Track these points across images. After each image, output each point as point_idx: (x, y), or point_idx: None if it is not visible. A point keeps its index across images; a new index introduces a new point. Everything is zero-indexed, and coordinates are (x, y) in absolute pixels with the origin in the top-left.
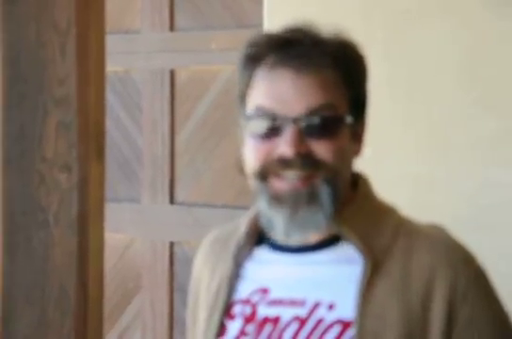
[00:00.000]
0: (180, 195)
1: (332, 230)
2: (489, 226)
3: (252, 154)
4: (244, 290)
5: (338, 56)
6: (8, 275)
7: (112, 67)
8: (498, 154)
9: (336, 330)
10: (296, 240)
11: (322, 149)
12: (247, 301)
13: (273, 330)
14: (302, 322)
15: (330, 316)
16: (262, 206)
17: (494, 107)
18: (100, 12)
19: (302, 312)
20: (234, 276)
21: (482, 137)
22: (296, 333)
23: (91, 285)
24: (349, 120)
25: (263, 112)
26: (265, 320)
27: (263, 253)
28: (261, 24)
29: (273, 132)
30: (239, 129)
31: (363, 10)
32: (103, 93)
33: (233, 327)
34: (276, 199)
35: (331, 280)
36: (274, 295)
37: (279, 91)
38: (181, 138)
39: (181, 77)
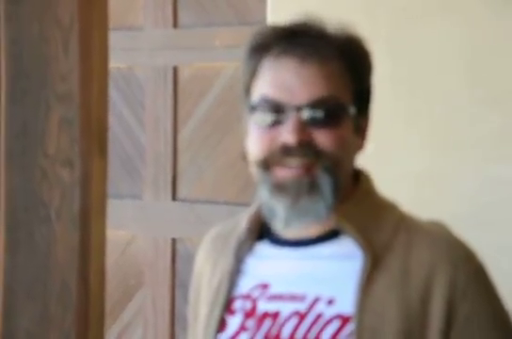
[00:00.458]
0: (182, 192)
1: (332, 224)
2: (491, 223)
3: (256, 143)
4: (244, 285)
5: (344, 49)
6: (9, 270)
7: (115, 63)
8: (500, 152)
9: (335, 325)
10: (295, 231)
11: (323, 138)
12: (247, 296)
13: (272, 324)
14: (301, 317)
15: (330, 311)
16: (263, 195)
17: (497, 105)
18: (103, 9)
19: (302, 307)
20: (235, 271)
21: (484, 134)
22: (296, 328)
23: (93, 281)
24: (352, 111)
25: (267, 101)
26: (265, 315)
27: (263, 248)
28: (264, 21)
29: (276, 121)
30: (243, 119)
31: (367, 7)
32: (105, 89)
33: (234, 322)
34: (278, 187)
35: (331, 275)
36: (274, 290)
37: (283, 80)
38: (183, 135)
39: (184, 74)
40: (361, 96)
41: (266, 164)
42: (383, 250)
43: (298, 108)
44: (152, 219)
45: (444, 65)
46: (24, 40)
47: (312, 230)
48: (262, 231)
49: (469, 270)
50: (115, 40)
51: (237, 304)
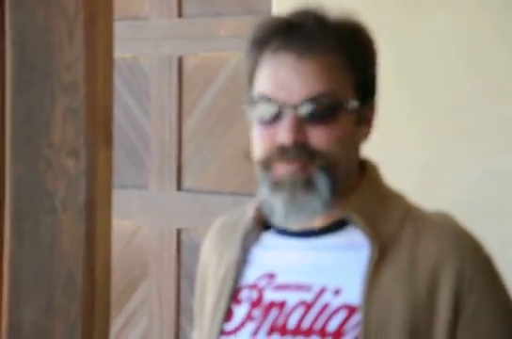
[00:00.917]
0: (187, 182)
1: (339, 214)
2: (494, 213)
3: (258, 142)
4: (251, 275)
5: (344, 39)
6: (15, 260)
7: (120, 54)
8: (504, 142)
9: (342, 315)
10: (299, 225)
11: (319, 137)
12: (253, 286)
13: (279, 314)
14: (308, 307)
15: (336, 301)
16: (264, 193)
17: (503, 94)
18: None
19: (308, 296)
20: (242, 261)
21: (488, 124)
22: (302, 318)
23: (99, 271)
24: (353, 105)
25: (264, 98)
26: (271, 305)
27: (270, 238)
28: (269, 11)
29: (275, 118)
30: (245, 114)
31: None
32: (110, 79)
33: (240, 311)
34: (276, 184)
35: (338, 265)
36: (280, 280)
37: (280, 77)
38: (188, 125)
39: (189, 64)
40: (366, 85)
41: (266, 163)
42: (390, 241)
43: (295, 106)
44: (157, 210)
45: (448, 55)
46: (29, 29)
47: (319, 221)
48: (268, 221)
49: (476, 262)
50: (120, 30)
51: (243, 294)
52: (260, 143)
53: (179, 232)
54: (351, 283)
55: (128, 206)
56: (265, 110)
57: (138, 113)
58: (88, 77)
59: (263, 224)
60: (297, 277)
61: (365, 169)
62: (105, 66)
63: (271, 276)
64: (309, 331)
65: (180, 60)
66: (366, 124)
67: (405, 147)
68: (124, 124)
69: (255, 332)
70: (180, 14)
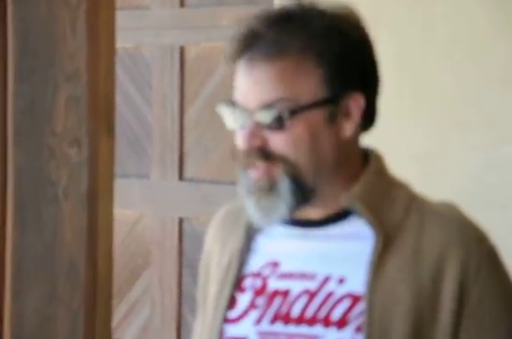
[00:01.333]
0: (189, 171)
1: (342, 204)
2: (498, 203)
3: (238, 146)
4: (255, 264)
5: (315, 34)
6: (17, 249)
7: (122, 43)
8: (507, 132)
9: (346, 303)
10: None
11: (276, 142)
12: (257, 275)
13: (282, 302)
14: (312, 295)
15: (340, 290)
16: (241, 195)
17: (506, 85)
18: None
19: (312, 285)
20: (245, 249)
21: (492, 114)
22: (306, 306)
23: (101, 260)
24: (320, 103)
25: (230, 105)
26: (275, 293)
27: (274, 227)
28: (271, 1)
29: (241, 124)
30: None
31: None
32: (112, 68)
33: (243, 299)
34: (247, 188)
35: (342, 254)
36: (284, 268)
37: (240, 85)
38: (190, 115)
39: (191, 53)
40: (342, 78)
41: (243, 166)
42: (395, 230)
43: (250, 113)
44: (159, 199)
45: (454, 43)
46: (32, 19)
47: (323, 210)
48: None
49: (481, 252)
50: (121, 19)
51: (247, 282)
52: (239, 146)
53: (181, 221)
54: (355, 272)
55: (130, 195)
56: (233, 117)
57: (140, 102)
58: (91, 66)
59: None
60: (301, 266)
61: (369, 159)
62: (108, 55)
63: (275, 264)
64: (312, 320)
65: (182, 50)
66: (347, 118)
67: (406, 137)
68: (126, 114)
69: (258, 320)
70: (182, 4)
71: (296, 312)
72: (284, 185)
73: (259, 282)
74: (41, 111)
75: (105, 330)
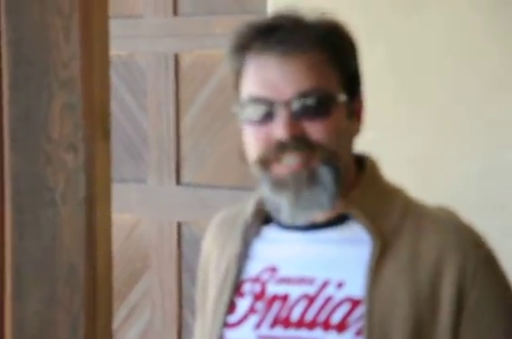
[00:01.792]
0: (186, 176)
1: (339, 210)
2: (497, 206)
3: (252, 142)
4: (252, 269)
5: (323, 37)
6: (17, 253)
7: (116, 51)
8: (505, 135)
9: (345, 307)
10: (303, 221)
11: (316, 130)
12: (256, 280)
13: (282, 307)
14: (311, 300)
15: (339, 294)
16: (266, 193)
17: (505, 89)
18: None
19: (311, 290)
20: (243, 255)
21: (491, 118)
22: (305, 311)
23: (100, 264)
24: (342, 98)
25: (254, 99)
26: (274, 298)
27: (271, 232)
28: (264, 10)
29: (267, 118)
30: (236, 119)
31: None
32: (107, 75)
33: (243, 304)
34: (278, 184)
35: (340, 258)
36: (283, 273)
37: (267, 77)
38: (185, 122)
39: (185, 61)
40: (351, 81)
41: (264, 162)
42: (391, 236)
43: (286, 103)
44: (156, 203)
45: (451, 47)
46: (25, 27)
47: (320, 215)
48: (268, 215)
49: (478, 256)
50: (115, 27)
51: (246, 287)
52: (255, 143)
53: (179, 225)
54: (354, 276)
55: (128, 200)
56: (257, 110)
57: (136, 109)
58: (85, 74)
59: (263, 218)
60: (300, 270)
61: (363, 164)
62: (102, 62)
63: (273, 269)
64: (312, 324)
65: (176, 57)
66: (356, 119)
67: (403, 142)
68: (122, 120)
69: (258, 325)
70: (175, 12)
71: (295, 316)
72: (326, 174)
73: (258, 287)
74: (37, 118)
75: (106, 333)
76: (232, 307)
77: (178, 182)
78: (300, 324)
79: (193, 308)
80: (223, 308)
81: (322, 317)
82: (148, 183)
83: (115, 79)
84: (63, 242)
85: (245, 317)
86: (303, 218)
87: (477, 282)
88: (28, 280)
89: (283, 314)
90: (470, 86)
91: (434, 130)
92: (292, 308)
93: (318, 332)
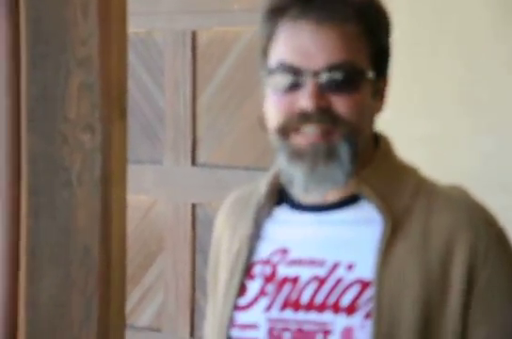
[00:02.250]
0: (202, 156)
1: (352, 189)
2: (509, 185)
3: (274, 109)
4: (264, 251)
5: (361, 11)
6: (32, 235)
7: (133, 29)
8: None
9: (355, 289)
10: (315, 198)
11: (341, 104)
12: (267, 262)
13: (292, 289)
14: (321, 282)
15: (350, 276)
16: (282, 163)
17: None
18: None
19: (321, 271)
20: (254, 237)
21: (502, 95)
22: (315, 293)
23: (114, 245)
24: (370, 75)
25: (284, 66)
26: (285, 280)
27: (282, 213)
28: None
29: (294, 86)
30: (261, 84)
31: None
32: (125, 54)
33: (253, 287)
34: (295, 154)
35: (351, 240)
36: (293, 255)
37: (300, 44)
38: (203, 100)
39: (203, 38)
40: (380, 58)
41: (284, 131)
42: (403, 215)
43: (316, 73)
44: (172, 185)
45: (469, 24)
46: (44, 4)
47: (332, 195)
48: (281, 196)
49: (490, 235)
50: (133, 4)
51: (257, 269)
52: (277, 111)
53: (194, 206)
54: (364, 258)
55: (143, 181)
56: (284, 78)
57: (153, 88)
58: (103, 52)
59: (275, 199)
60: (310, 252)
61: (378, 143)
62: (120, 40)
63: (284, 251)
64: (322, 306)
65: (194, 35)
66: (380, 97)
67: (417, 120)
68: (139, 99)
69: (268, 307)
70: None
71: (305, 298)
72: (345, 151)
73: (268, 269)
74: (54, 98)
75: (119, 315)
76: (242, 290)
77: (194, 162)
78: (310, 306)
79: (206, 290)
80: (234, 291)
81: (332, 300)
82: (163, 163)
83: (132, 57)
84: (78, 224)
85: (255, 300)
86: (315, 192)
87: (488, 260)
88: (43, 261)
89: (293, 297)
90: (484, 64)
91: (447, 108)
92: (302, 290)
93: (328, 315)
